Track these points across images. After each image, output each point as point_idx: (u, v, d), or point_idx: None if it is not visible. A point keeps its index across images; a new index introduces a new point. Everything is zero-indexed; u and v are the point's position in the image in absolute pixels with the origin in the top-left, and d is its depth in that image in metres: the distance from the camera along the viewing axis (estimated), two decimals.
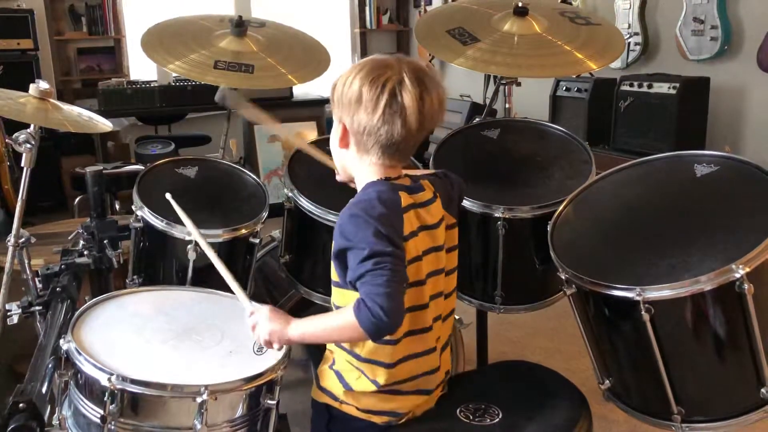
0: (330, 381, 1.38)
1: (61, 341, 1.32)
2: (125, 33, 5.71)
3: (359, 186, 1.34)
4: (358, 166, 1.33)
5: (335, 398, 1.37)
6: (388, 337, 1.24)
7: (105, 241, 1.91)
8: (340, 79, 1.29)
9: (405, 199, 1.29)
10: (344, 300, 1.29)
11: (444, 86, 1.29)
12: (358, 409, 1.35)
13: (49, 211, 4.56)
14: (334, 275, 1.31)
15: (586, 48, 2.13)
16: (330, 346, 1.39)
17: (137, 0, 5.74)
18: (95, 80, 5.09)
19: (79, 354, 1.27)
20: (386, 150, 1.27)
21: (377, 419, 1.35)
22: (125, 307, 1.51)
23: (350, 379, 1.35)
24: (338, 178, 1.46)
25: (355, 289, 1.19)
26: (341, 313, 1.22)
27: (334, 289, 1.33)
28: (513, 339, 2.98)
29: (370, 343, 1.29)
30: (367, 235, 1.19)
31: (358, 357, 1.32)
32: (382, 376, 1.32)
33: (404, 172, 1.36)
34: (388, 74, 1.23)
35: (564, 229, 1.57)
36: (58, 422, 1.32)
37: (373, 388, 1.32)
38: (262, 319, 1.30)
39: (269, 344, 1.31)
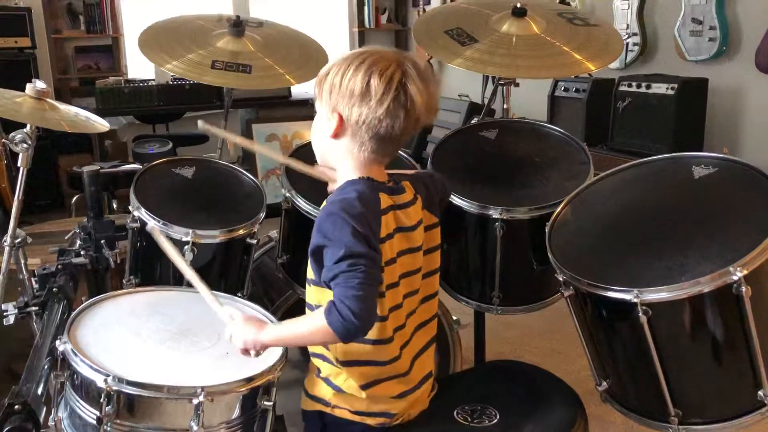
0: (319, 388, 1.37)
1: (57, 342, 1.31)
2: (123, 32, 5.71)
3: (340, 180, 1.32)
4: (345, 159, 1.31)
5: (326, 403, 1.35)
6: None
7: (102, 241, 1.91)
8: (332, 69, 1.27)
9: (384, 200, 1.29)
10: (320, 298, 1.28)
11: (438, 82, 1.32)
12: (351, 411, 1.34)
13: (46, 209, 4.55)
14: (310, 273, 1.30)
15: (585, 49, 2.12)
16: (312, 355, 1.38)
17: None
18: (93, 79, 5.08)
19: (76, 355, 1.26)
20: (381, 143, 1.27)
21: (371, 421, 1.34)
22: (122, 308, 1.50)
23: (338, 381, 1.34)
24: (319, 168, 1.45)
25: (330, 288, 1.19)
26: (313, 315, 1.22)
27: (309, 287, 1.32)
28: (510, 339, 2.98)
29: (343, 345, 1.27)
30: (344, 234, 1.18)
31: (335, 361, 1.32)
32: (358, 378, 1.32)
33: (388, 171, 1.36)
34: (393, 67, 1.23)
35: (562, 231, 1.57)
36: (54, 423, 1.31)
37: (357, 387, 1.32)
38: (236, 328, 1.29)
39: (246, 352, 1.28)
